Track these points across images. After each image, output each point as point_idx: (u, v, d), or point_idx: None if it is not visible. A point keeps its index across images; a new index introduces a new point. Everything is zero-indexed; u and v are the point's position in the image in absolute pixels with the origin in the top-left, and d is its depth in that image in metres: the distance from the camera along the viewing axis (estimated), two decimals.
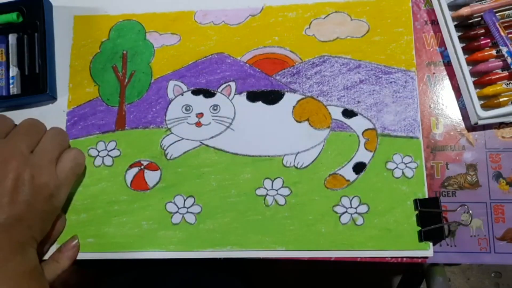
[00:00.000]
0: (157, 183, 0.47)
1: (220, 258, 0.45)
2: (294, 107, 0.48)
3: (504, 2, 0.47)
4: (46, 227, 0.40)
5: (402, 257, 0.44)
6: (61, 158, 0.39)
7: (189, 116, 0.49)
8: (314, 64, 0.50)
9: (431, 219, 0.43)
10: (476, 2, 0.48)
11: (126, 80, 0.51)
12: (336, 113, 0.48)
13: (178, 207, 0.47)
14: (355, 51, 0.49)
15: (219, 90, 0.50)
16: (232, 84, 0.50)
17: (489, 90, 0.46)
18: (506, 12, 0.47)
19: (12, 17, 0.51)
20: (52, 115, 0.50)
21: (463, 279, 1.07)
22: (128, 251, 0.46)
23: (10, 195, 0.34)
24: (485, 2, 0.47)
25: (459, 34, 0.48)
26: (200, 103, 0.49)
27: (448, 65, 0.49)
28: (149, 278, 0.54)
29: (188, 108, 0.49)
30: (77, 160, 0.41)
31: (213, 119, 0.49)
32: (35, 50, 0.52)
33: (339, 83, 0.49)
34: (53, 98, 0.51)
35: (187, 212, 0.46)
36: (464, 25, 0.48)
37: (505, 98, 0.45)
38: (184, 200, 0.47)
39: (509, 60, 0.45)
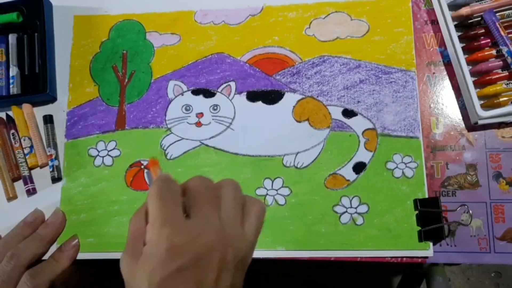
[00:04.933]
0: None
1: None
2: (294, 107, 0.48)
3: (504, 2, 0.47)
4: None
5: (402, 257, 0.44)
6: (246, 218, 0.32)
7: (189, 116, 0.49)
8: (314, 64, 0.50)
9: (431, 219, 0.43)
10: (476, 2, 0.48)
11: (126, 80, 0.51)
12: (336, 113, 0.48)
13: None
14: (355, 51, 0.49)
15: (219, 90, 0.50)
16: (232, 84, 0.50)
17: (489, 90, 0.46)
18: (506, 12, 0.47)
19: (12, 17, 0.51)
20: (52, 115, 0.50)
21: (463, 279, 1.07)
22: None
23: None
24: (485, 2, 0.47)
25: (459, 34, 0.48)
26: (200, 103, 0.49)
27: (448, 65, 0.49)
28: None
29: (188, 108, 0.49)
30: (261, 218, 0.33)
31: (213, 119, 0.49)
32: (35, 50, 0.52)
33: (339, 83, 0.49)
34: (53, 98, 0.51)
35: None
36: (464, 25, 0.48)
37: (505, 98, 0.45)
38: None
39: (509, 59, 0.45)
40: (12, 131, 0.49)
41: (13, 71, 0.51)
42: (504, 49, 0.45)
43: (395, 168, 0.46)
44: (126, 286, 0.30)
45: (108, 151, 0.49)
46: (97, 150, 0.49)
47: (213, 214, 0.30)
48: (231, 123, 0.49)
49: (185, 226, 0.29)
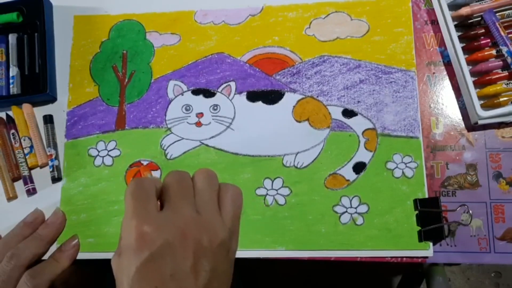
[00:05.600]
0: None
1: None
2: (294, 107, 0.48)
3: (504, 2, 0.47)
4: (229, 284, 0.34)
5: (402, 257, 0.44)
6: (221, 204, 0.33)
7: (189, 116, 0.49)
8: (314, 64, 0.50)
9: (431, 219, 0.43)
10: (476, 2, 0.48)
11: (126, 80, 0.51)
12: (336, 113, 0.48)
13: None
14: (355, 51, 0.49)
15: (219, 90, 0.50)
16: (232, 84, 0.50)
17: (489, 90, 0.46)
18: (506, 12, 0.47)
19: (12, 17, 0.51)
20: (52, 115, 0.50)
21: (463, 279, 1.07)
22: None
23: (193, 274, 0.29)
24: (485, 2, 0.47)
25: (459, 34, 0.48)
26: (200, 103, 0.49)
27: (448, 65, 0.49)
28: None
29: (188, 108, 0.49)
30: (236, 202, 0.34)
31: (213, 119, 0.49)
32: (35, 50, 0.52)
33: (339, 83, 0.49)
34: (53, 98, 0.51)
35: None
36: (464, 25, 0.48)
37: (505, 98, 0.45)
38: None
39: (509, 60, 0.45)
40: (12, 131, 0.49)
41: (13, 71, 0.51)
42: (504, 49, 0.45)
43: (395, 168, 0.46)
44: (116, 285, 0.30)
45: (108, 151, 0.49)
46: (97, 150, 0.49)
47: (185, 203, 0.31)
48: (231, 123, 0.49)
49: (154, 216, 0.30)
